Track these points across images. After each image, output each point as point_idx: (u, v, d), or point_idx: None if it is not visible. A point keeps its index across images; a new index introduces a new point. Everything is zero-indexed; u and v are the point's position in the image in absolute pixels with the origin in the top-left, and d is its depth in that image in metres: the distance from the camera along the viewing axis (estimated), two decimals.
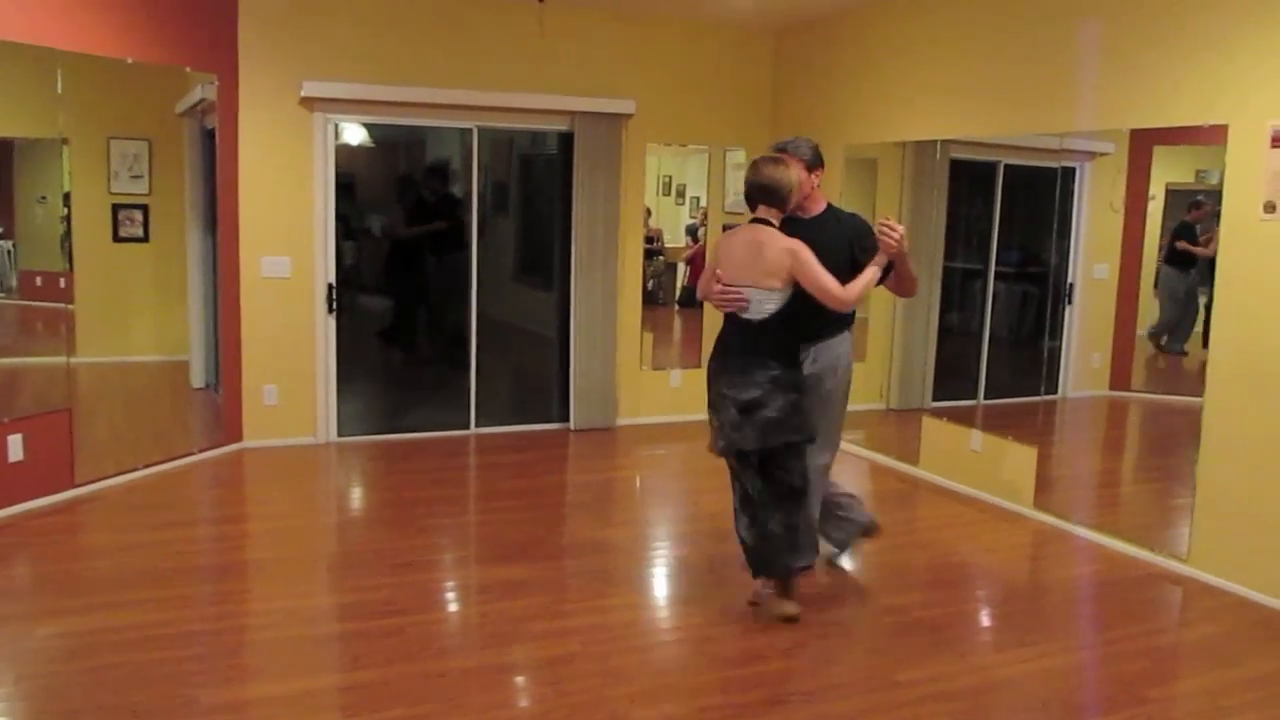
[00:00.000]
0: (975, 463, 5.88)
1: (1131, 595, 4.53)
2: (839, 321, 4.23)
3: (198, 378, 6.55)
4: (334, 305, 6.64)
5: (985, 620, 4.28)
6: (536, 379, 7.64)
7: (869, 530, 4.66)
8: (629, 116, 7.12)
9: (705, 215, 7.76)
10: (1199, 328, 5.22)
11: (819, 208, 4.25)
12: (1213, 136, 4.57)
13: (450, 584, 4.58)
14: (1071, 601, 4.48)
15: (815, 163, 4.23)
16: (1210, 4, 4.56)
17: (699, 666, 3.76)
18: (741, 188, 4.08)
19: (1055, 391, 5.72)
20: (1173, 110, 4.76)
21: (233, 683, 3.54)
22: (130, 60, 5.55)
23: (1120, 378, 5.64)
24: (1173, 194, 5.38)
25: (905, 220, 6.48)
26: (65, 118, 5.32)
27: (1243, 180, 4.44)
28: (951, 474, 6.06)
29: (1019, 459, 5.60)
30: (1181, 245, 5.37)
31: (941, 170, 6.28)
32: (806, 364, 4.16)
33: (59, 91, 5.22)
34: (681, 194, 8.43)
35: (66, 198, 5.45)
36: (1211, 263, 4.62)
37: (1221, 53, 4.51)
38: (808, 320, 4.05)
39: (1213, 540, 4.61)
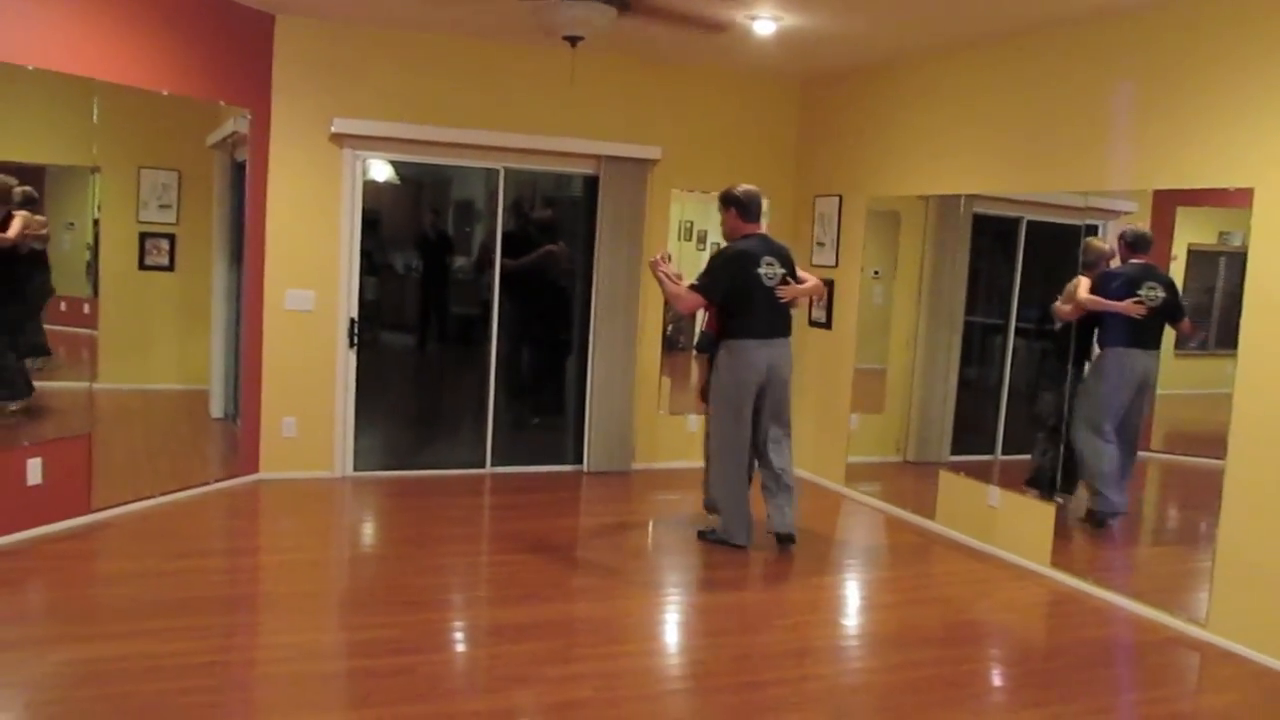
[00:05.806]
0: (992, 519, 5.84)
1: (1148, 659, 4.48)
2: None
3: (216, 408, 6.57)
4: (355, 340, 6.67)
5: (999, 679, 4.24)
6: (553, 420, 7.64)
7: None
8: (655, 162, 7.18)
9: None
10: None
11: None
12: (1237, 199, 4.57)
13: (461, 624, 4.56)
14: (1087, 663, 4.42)
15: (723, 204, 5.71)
16: (1237, 67, 4.58)
17: (711, 716, 3.73)
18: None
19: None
20: (1199, 172, 4.77)
21: (242, 717, 3.53)
22: (166, 93, 5.63)
23: (1141, 438, 5.60)
24: (1195, 255, 5.37)
25: (927, 273, 6.52)
26: (98, 147, 5.39)
27: (1268, 243, 4.44)
28: (968, 529, 6.02)
29: (1037, 516, 5.57)
30: None
31: (964, 225, 6.29)
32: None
33: (95, 121, 5.30)
34: (703, 240, 8.46)
35: (95, 225, 5.51)
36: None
37: (1248, 115, 4.52)
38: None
39: (1232, 605, 4.56)
